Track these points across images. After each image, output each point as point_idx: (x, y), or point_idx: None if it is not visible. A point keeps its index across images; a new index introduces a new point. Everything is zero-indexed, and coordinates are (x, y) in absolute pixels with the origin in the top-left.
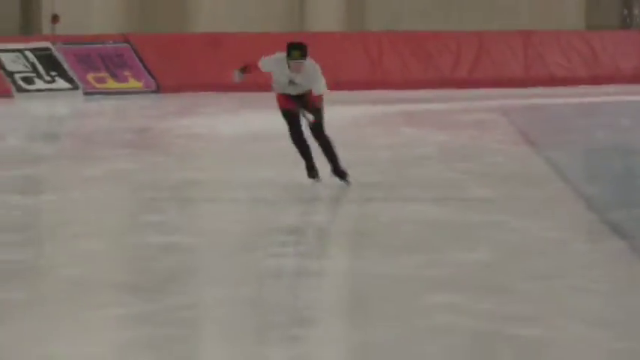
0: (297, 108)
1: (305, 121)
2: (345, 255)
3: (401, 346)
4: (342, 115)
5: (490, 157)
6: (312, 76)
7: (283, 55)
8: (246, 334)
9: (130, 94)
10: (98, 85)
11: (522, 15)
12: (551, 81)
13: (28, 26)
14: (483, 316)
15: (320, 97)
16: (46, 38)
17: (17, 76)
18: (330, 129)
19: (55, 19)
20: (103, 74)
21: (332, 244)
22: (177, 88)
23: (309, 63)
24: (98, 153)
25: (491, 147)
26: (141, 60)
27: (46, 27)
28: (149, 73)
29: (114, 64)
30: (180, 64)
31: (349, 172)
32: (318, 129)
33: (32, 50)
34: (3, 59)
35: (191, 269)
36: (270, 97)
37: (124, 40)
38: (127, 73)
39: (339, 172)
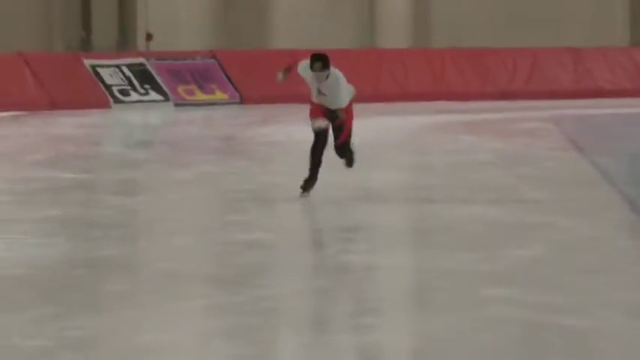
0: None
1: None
2: (407, 252)
3: (460, 334)
4: (407, 123)
5: (542, 162)
6: (335, 87)
7: (306, 65)
8: (319, 322)
9: (216, 105)
10: (187, 97)
11: (573, 33)
12: (599, 93)
13: (124, 44)
14: (535, 307)
15: (344, 110)
16: (140, 55)
17: (115, 88)
18: (396, 136)
19: (148, 37)
20: (192, 87)
21: (395, 241)
22: (259, 100)
23: (333, 73)
24: (187, 158)
25: (543, 153)
26: (226, 74)
27: (140, 44)
28: (233, 86)
29: (202, 78)
30: (261, 77)
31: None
32: (342, 149)
33: (128, 65)
34: (102, 74)
35: (270, 264)
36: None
37: (211, 56)
38: (213, 85)
39: (349, 160)
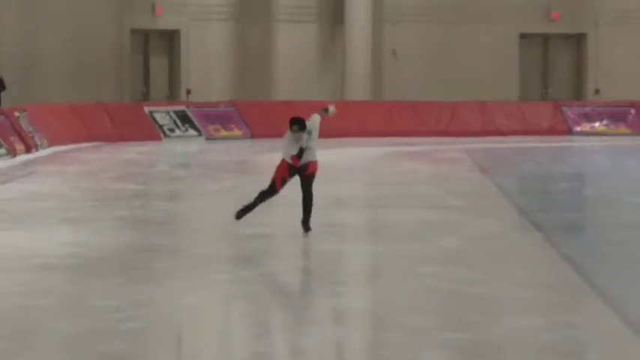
0: (289, 179)
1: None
2: (367, 242)
3: (403, 299)
4: (366, 153)
5: (459, 180)
6: (312, 132)
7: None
8: (305, 290)
9: (235, 139)
10: (215, 133)
11: (480, 91)
12: (498, 133)
13: (172, 96)
14: (455, 280)
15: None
16: (182, 104)
17: (165, 127)
18: (358, 161)
19: (188, 92)
20: (218, 126)
21: (358, 234)
22: (266, 135)
23: (309, 125)
24: (214, 176)
25: (460, 174)
26: (241, 117)
27: (183, 97)
28: (247, 125)
29: (225, 120)
30: (267, 119)
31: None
32: (307, 184)
33: (174, 111)
34: (156, 117)
35: (271, 249)
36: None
37: (231, 105)
38: (232, 125)
39: (306, 225)
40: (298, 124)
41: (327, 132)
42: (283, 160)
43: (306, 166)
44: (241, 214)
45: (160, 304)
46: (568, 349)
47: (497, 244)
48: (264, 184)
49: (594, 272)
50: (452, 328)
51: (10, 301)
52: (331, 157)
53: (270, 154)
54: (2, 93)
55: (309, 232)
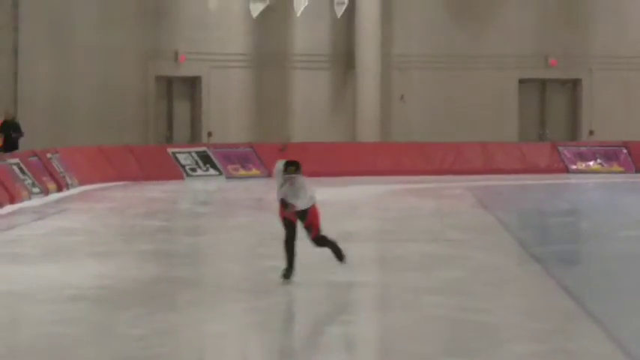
0: (295, 218)
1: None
2: (374, 273)
3: (408, 327)
4: (375, 190)
5: (461, 215)
6: (301, 189)
7: (281, 167)
8: (316, 318)
9: (253, 178)
10: (234, 173)
11: (482, 132)
12: (498, 172)
13: (194, 138)
14: (457, 309)
15: (309, 211)
16: (204, 145)
17: (187, 167)
18: (368, 198)
19: (209, 134)
20: (237, 166)
21: (366, 266)
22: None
23: (302, 179)
24: (233, 212)
25: (462, 209)
26: (259, 158)
27: (204, 139)
28: (264, 165)
29: (243, 160)
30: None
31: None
32: (319, 241)
33: (196, 152)
34: (179, 157)
35: (284, 281)
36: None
37: (249, 146)
38: (250, 165)
39: (340, 256)
40: (294, 165)
41: (339, 171)
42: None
43: (305, 213)
44: (287, 274)
45: (182, 332)
46: None
47: (498, 275)
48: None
49: (590, 301)
50: (454, 355)
51: (39, 329)
52: (342, 195)
53: None
54: (20, 139)
55: (345, 259)
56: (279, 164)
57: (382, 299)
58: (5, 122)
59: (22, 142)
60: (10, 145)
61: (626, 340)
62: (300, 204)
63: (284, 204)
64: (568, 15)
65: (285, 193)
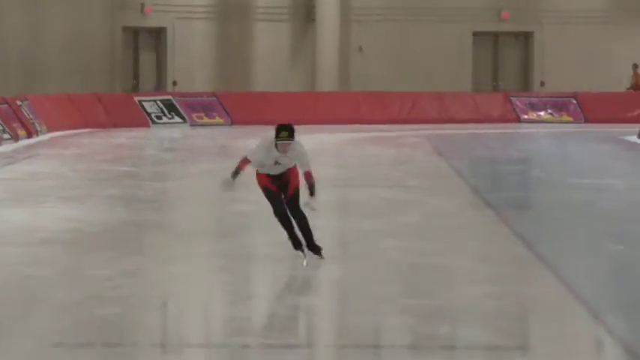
0: (280, 190)
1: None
2: (335, 218)
3: (367, 270)
4: (334, 138)
5: (418, 163)
6: (299, 154)
7: (271, 137)
8: (280, 259)
9: (216, 125)
10: (198, 121)
11: (438, 83)
12: (453, 121)
13: (159, 87)
14: (413, 252)
15: (310, 174)
16: (169, 94)
17: (152, 115)
18: (327, 146)
19: (174, 83)
20: (201, 114)
21: (327, 211)
22: (244, 123)
23: (297, 142)
24: (197, 159)
25: (418, 157)
26: (222, 106)
27: (169, 88)
28: (227, 113)
29: (207, 109)
30: (246, 108)
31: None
32: (294, 205)
33: (161, 100)
34: (145, 106)
35: (249, 225)
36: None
37: (213, 95)
38: (214, 113)
39: (313, 248)
40: (288, 130)
41: (299, 120)
42: (259, 174)
43: (285, 176)
44: (296, 245)
45: (148, 274)
46: (516, 315)
47: (453, 220)
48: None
49: (540, 246)
50: (412, 296)
51: (11, 271)
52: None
53: (248, 139)
54: None
55: (322, 255)
56: (249, 152)
57: (343, 244)
58: None
59: None
60: None
61: (573, 281)
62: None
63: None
64: None
65: (273, 168)
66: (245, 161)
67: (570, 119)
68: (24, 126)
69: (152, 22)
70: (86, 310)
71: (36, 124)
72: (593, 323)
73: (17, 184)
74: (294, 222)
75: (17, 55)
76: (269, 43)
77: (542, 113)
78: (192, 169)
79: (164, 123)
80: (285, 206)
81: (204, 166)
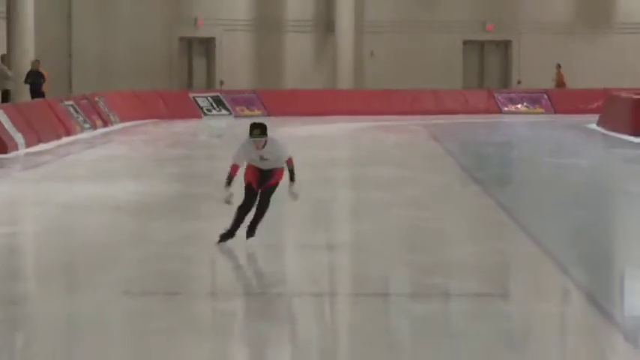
0: (260, 186)
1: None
2: (350, 190)
3: (377, 232)
4: (350, 126)
5: (418, 146)
6: (278, 148)
7: (247, 137)
8: (305, 227)
9: (255, 116)
10: (240, 113)
11: (434, 82)
12: (447, 113)
13: (209, 85)
14: (412, 218)
15: (290, 160)
16: (217, 91)
17: (204, 108)
18: (345, 132)
19: (221, 83)
20: (243, 107)
21: (344, 185)
22: (278, 114)
23: (272, 138)
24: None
25: (418, 142)
26: (260, 101)
27: (217, 85)
28: (264, 106)
29: (248, 103)
30: (279, 102)
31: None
32: (265, 195)
33: (211, 96)
34: (198, 101)
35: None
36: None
37: (253, 92)
38: (254, 107)
39: (251, 230)
40: (259, 128)
41: (322, 112)
42: (248, 167)
43: (271, 173)
44: (224, 238)
45: (201, 237)
46: (497, 268)
47: (446, 193)
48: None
49: (517, 213)
50: (412, 253)
51: (90, 233)
52: (325, 130)
53: (283, 127)
54: (44, 85)
55: (252, 238)
56: (234, 155)
57: (358, 211)
58: (31, 71)
59: (76, 86)
60: (36, 92)
61: (544, 241)
62: (275, 164)
63: (255, 172)
64: None
65: (260, 162)
66: (234, 167)
67: (542, 111)
68: (100, 117)
69: (203, 33)
70: (150, 265)
71: (110, 115)
72: (560, 275)
73: (95, 164)
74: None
75: (94, 60)
76: (297, 49)
77: (519, 106)
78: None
79: (213, 115)
80: (251, 207)
81: None
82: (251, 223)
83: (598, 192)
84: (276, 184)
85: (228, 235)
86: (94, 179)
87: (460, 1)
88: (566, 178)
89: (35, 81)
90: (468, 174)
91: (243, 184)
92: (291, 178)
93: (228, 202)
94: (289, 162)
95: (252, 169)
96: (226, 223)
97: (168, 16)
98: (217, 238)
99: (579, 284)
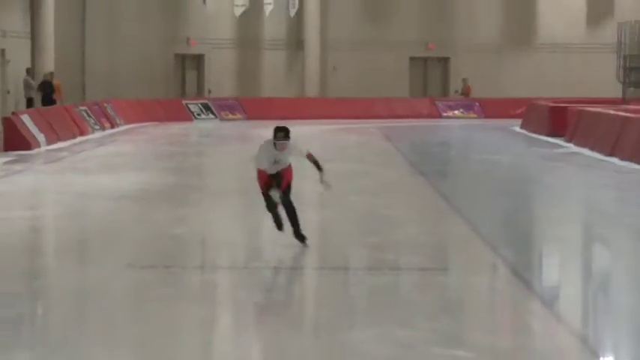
0: (272, 186)
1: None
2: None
3: (339, 216)
4: (316, 128)
5: (373, 145)
6: (294, 147)
7: (269, 140)
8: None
9: (237, 120)
10: (225, 117)
11: (386, 92)
12: (397, 117)
13: (199, 94)
14: (370, 204)
15: (310, 155)
16: (205, 99)
17: (194, 113)
18: (311, 133)
19: (209, 92)
20: (227, 112)
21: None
22: (256, 118)
23: (291, 142)
24: (225, 142)
25: (373, 141)
26: (241, 106)
27: (206, 94)
28: (244, 111)
29: (231, 108)
30: (257, 108)
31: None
32: (286, 197)
33: (201, 103)
34: (190, 107)
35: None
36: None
37: (235, 99)
38: (236, 112)
39: (299, 236)
40: (284, 131)
41: (293, 116)
42: (260, 171)
43: (280, 175)
44: (278, 225)
45: (192, 219)
46: (438, 246)
47: (397, 184)
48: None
49: (454, 200)
50: (368, 234)
51: (99, 216)
52: (295, 132)
53: (259, 130)
54: (55, 94)
55: (307, 243)
56: (255, 158)
57: (321, 199)
58: (43, 82)
59: (88, 94)
60: (48, 101)
61: (476, 224)
62: (284, 165)
63: (270, 181)
64: (440, 14)
65: (272, 166)
66: (261, 172)
67: (475, 116)
68: (108, 120)
69: (194, 50)
70: (149, 242)
71: (116, 119)
72: (489, 252)
73: (104, 159)
74: (283, 212)
75: (103, 73)
76: (272, 64)
77: (456, 112)
78: (221, 149)
79: (202, 118)
80: (275, 205)
81: (229, 147)
82: (294, 231)
83: (520, 183)
84: (290, 185)
85: (278, 225)
86: (102, 171)
87: (407, 23)
88: (494, 172)
89: (46, 91)
90: (414, 168)
91: (260, 188)
92: (319, 169)
93: (278, 201)
94: (310, 156)
95: (263, 176)
96: (212, 208)
97: (165, 36)
98: (277, 229)
99: (505, 260)
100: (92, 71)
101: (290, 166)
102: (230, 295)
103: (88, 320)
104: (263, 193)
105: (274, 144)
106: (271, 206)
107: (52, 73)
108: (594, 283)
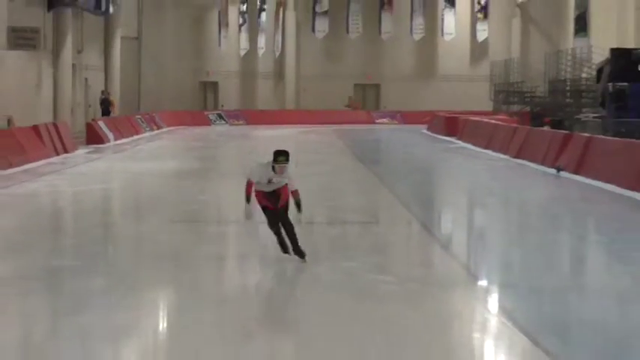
0: (272, 204)
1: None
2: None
3: (305, 189)
4: (293, 131)
5: (328, 142)
6: (289, 176)
7: (268, 161)
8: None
9: (240, 125)
10: (233, 122)
11: (338, 105)
12: (345, 123)
13: (215, 107)
14: (325, 182)
15: (296, 192)
16: (220, 110)
17: (212, 120)
18: (287, 135)
19: (222, 105)
20: (234, 120)
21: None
22: (254, 124)
23: (289, 170)
24: (233, 139)
25: (328, 139)
26: (244, 116)
27: (220, 107)
28: (246, 120)
29: (237, 117)
30: (254, 117)
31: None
32: (284, 216)
33: (216, 113)
34: (209, 116)
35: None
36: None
37: (239, 111)
38: (240, 119)
39: (298, 252)
40: (285, 155)
41: (276, 122)
42: (257, 192)
43: (276, 193)
44: (283, 249)
45: (211, 190)
46: (372, 208)
47: (345, 168)
48: (258, 143)
49: (384, 178)
50: (326, 201)
51: (149, 187)
52: (277, 133)
53: (256, 131)
54: (110, 107)
55: (306, 259)
56: (250, 173)
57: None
58: (104, 99)
59: (142, 107)
60: (105, 112)
61: (398, 194)
62: (278, 185)
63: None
64: (374, 55)
65: (267, 185)
66: (249, 184)
67: (397, 122)
68: (155, 124)
69: (212, 79)
70: (182, 205)
71: (161, 124)
72: (405, 211)
73: (152, 150)
74: (283, 231)
75: (152, 93)
76: (264, 87)
77: (384, 119)
78: (230, 144)
79: (217, 124)
80: (278, 220)
81: (236, 142)
82: (293, 247)
83: (428, 164)
84: (287, 203)
85: (284, 249)
86: (151, 159)
87: (353, 62)
88: (410, 159)
89: (104, 105)
90: (357, 158)
91: (260, 207)
92: (299, 209)
93: (248, 217)
94: (295, 194)
95: (260, 194)
96: (223, 183)
97: (193, 69)
98: (282, 251)
99: (416, 216)
100: (144, 92)
101: (286, 185)
102: (236, 240)
103: (143, 256)
104: (263, 209)
105: (273, 167)
106: (273, 223)
107: (108, 92)
108: (476, 232)
